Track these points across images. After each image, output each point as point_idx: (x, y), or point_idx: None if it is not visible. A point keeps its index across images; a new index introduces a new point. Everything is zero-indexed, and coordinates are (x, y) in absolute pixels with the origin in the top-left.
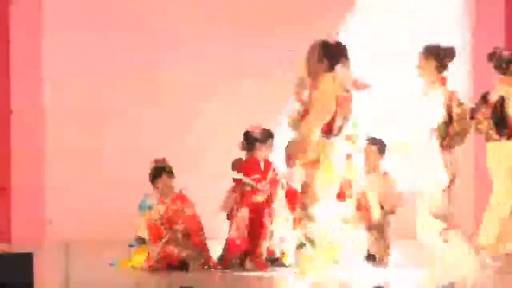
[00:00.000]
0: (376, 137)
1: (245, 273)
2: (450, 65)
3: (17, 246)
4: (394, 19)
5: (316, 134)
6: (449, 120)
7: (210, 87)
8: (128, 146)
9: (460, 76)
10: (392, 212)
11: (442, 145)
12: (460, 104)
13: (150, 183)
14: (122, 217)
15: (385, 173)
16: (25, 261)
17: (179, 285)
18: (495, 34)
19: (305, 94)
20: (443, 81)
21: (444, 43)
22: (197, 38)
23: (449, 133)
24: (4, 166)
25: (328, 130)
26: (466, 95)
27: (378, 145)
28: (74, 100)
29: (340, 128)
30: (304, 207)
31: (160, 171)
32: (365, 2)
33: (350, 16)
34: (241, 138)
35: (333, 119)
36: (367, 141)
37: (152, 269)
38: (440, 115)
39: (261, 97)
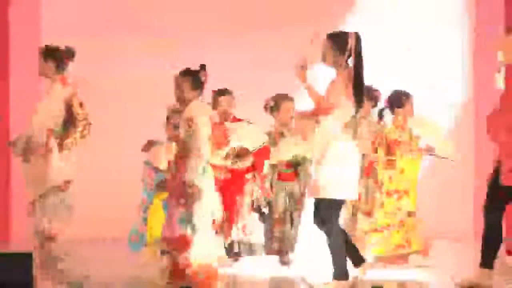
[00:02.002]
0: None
1: (246, 273)
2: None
3: (17, 246)
4: (394, 19)
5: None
6: (71, 120)
7: (210, 89)
8: (128, 146)
9: (460, 77)
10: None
11: (61, 145)
12: (81, 105)
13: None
14: (122, 216)
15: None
16: (25, 261)
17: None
18: (495, 35)
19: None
20: (63, 81)
21: (444, 43)
22: (196, 38)
23: (70, 134)
24: (4, 166)
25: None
26: (467, 95)
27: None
28: None
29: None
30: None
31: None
32: (365, 2)
33: (350, 16)
34: None
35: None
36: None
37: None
38: (59, 115)
39: (259, 97)
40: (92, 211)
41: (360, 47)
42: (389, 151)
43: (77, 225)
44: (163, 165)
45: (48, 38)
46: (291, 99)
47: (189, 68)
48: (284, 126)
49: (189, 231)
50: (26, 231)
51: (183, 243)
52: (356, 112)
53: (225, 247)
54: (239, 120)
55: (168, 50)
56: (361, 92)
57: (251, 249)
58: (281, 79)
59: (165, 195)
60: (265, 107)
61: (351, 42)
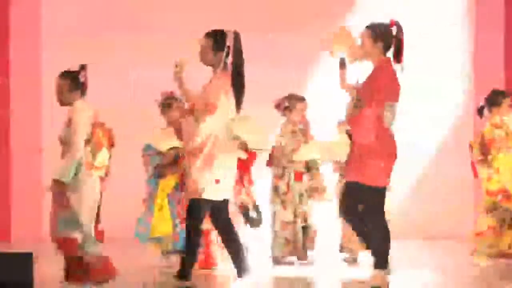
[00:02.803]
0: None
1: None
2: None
3: (17, 246)
4: (394, 19)
5: None
6: None
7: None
8: (127, 145)
9: (460, 77)
10: None
11: None
12: None
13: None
14: (122, 216)
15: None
16: (25, 261)
17: (178, 285)
18: (495, 35)
19: None
20: None
21: (444, 43)
22: (196, 37)
23: None
24: (4, 166)
25: None
26: (467, 96)
27: None
28: None
29: None
30: None
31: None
32: (365, 2)
33: (350, 16)
34: None
35: None
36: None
37: None
38: None
39: (259, 97)
40: None
41: (239, 45)
42: (485, 150)
43: None
44: (164, 148)
45: (48, 38)
46: (304, 100)
47: (68, 70)
48: (295, 125)
49: (74, 232)
50: (26, 231)
51: (68, 245)
52: (237, 111)
53: None
54: None
55: (168, 50)
56: (241, 91)
57: None
58: (280, 79)
59: (168, 184)
60: (278, 107)
61: (230, 41)
